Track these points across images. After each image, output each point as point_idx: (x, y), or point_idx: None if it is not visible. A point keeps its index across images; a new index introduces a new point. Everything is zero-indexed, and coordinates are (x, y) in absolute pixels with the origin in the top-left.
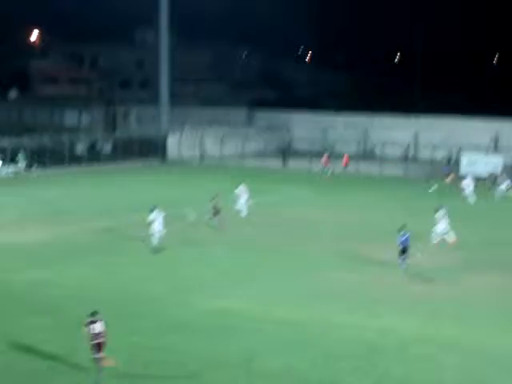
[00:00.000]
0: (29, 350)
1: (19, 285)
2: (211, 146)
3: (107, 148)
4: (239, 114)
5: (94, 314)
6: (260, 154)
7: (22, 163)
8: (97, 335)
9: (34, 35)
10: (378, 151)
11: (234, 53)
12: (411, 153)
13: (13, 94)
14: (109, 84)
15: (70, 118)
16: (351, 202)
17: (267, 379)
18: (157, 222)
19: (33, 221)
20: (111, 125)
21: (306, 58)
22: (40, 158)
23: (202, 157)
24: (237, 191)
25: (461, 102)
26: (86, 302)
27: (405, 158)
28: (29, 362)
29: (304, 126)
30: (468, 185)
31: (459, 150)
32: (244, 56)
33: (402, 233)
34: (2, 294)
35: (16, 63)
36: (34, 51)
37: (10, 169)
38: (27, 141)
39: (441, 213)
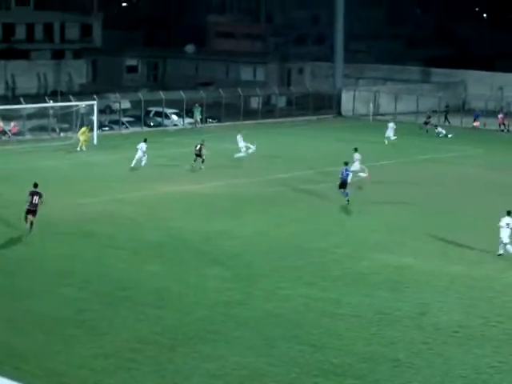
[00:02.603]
0: (203, 297)
1: (195, 235)
2: (386, 103)
3: (282, 103)
4: (414, 71)
5: (36, 185)
6: (435, 111)
7: (197, 116)
8: (33, 205)
9: None
10: None
11: (408, 9)
12: None
13: (190, 48)
14: (284, 40)
15: (246, 73)
16: None
17: (439, 334)
18: (140, 151)
19: (208, 172)
20: (286, 80)
21: (482, 17)
22: (215, 111)
23: (376, 113)
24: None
25: None
26: (258, 253)
27: None
28: (203, 311)
29: (479, 84)
30: None
31: None
32: (419, 13)
33: (345, 168)
34: (179, 245)
35: (193, 18)
36: (211, 6)
37: (187, 121)
38: (203, 94)
39: (356, 155)
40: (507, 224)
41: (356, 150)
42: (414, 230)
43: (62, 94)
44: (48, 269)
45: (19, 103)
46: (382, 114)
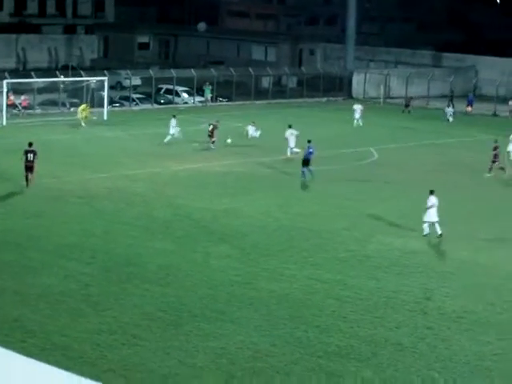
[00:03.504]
0: (209, 276)
1: (204, 214)
2: (396, 86)
3: (292, 83)
4: (425, 55)
5: (30, 144)
6: (445, 96)
7: (208, 94)
8: (29, 162)
9: None
10: None
11: None
12: None
13: (202, 26)
14: (296, 20)
15: (257, 52)
16: None
17: (443, 319)
18: (170, 126)
19: (219, 151)
20: (297, 61)
21: (495, 2)
22: (226, 90)
23: (387, 96)
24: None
25: None
26: (265, 233)
27: None
28: (208, 290)
29: (491, 70)
30: None
31: None
32: None
33: (308, 145)
34: (187, 222)
35: None
36: None
37: (197, 99)
38: (214, 73)
39: (289, 131)
40: (433, 204)
41: (290, 126)
42: (417, 214)
43: (73, 68)
44: (56, 243)
45: (30, 77)
46: (392, 98)
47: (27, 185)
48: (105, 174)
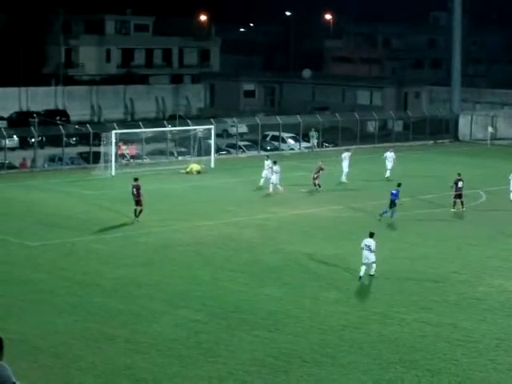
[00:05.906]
0: (319, 321)
1: (312, 259)
2: (503, 128)
3: (398, 127)
4: None
5: (136, 179)
6: None
7: (314, 140)
8: (135, 196)
9: (329, 16)
10: None
11: None
12: None
13: (306, 73)
14: (401, 64)
15: (362, 97)
16: None
17: None
18: (266, 168)
19: (325, 196)
20: (402, 104)
21: None
22: (332, 135)
23: (494, 138)
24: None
25: None
26: (375, 278)
27: None
28: (318, 335)
29: None
30: None
31: None
32: None
33: (396, 189)
34: (295, 268)
35: (311, 43)
36: (328, 31)
37: (303, 145)
38: (319, 119)
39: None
40: (367, 245)
41: (275, 162)
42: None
43: (181, 117)
44: (166, 290)
45: (138, 127)
46: (499, 139)
47: (136, 217)
48: (212, 222)
